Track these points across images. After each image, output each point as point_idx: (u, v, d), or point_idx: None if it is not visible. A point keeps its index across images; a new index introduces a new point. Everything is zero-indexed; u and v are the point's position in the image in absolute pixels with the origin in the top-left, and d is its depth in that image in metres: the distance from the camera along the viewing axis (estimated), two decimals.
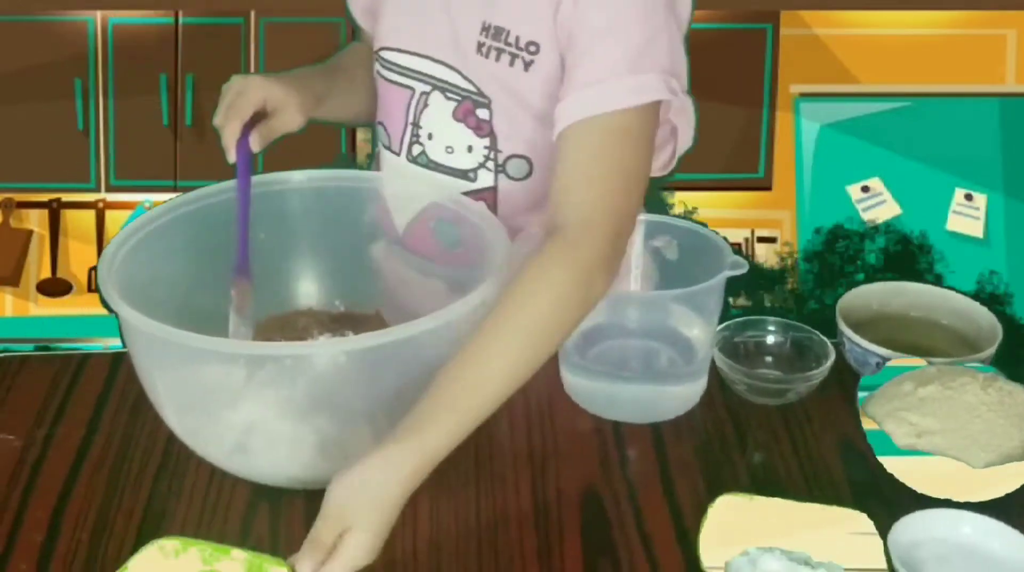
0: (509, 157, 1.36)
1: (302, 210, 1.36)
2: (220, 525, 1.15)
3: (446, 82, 1.35)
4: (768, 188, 2.96)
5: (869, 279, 2.34)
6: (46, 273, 2.82)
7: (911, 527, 1.11)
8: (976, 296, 1.48)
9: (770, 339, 1.37)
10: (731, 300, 1.28)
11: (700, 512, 1.15)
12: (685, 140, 1.38)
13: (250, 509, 1.17)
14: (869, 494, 1.18)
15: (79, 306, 2.84)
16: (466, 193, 1.36)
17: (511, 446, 1.25)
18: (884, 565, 1.07)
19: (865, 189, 2.92)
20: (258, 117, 1.27)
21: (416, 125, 1.38)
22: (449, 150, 1.38)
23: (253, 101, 1.27)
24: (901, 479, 1.17)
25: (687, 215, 2.83)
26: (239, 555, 1.05)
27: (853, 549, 1.08)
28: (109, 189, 2.80)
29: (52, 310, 2.83)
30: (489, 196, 1.38)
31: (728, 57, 2.83)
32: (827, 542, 1.09)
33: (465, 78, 1.34)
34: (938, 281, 2.82)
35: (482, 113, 1.34)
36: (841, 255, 2.89)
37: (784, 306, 2.71)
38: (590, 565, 1.10)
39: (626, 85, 1.22)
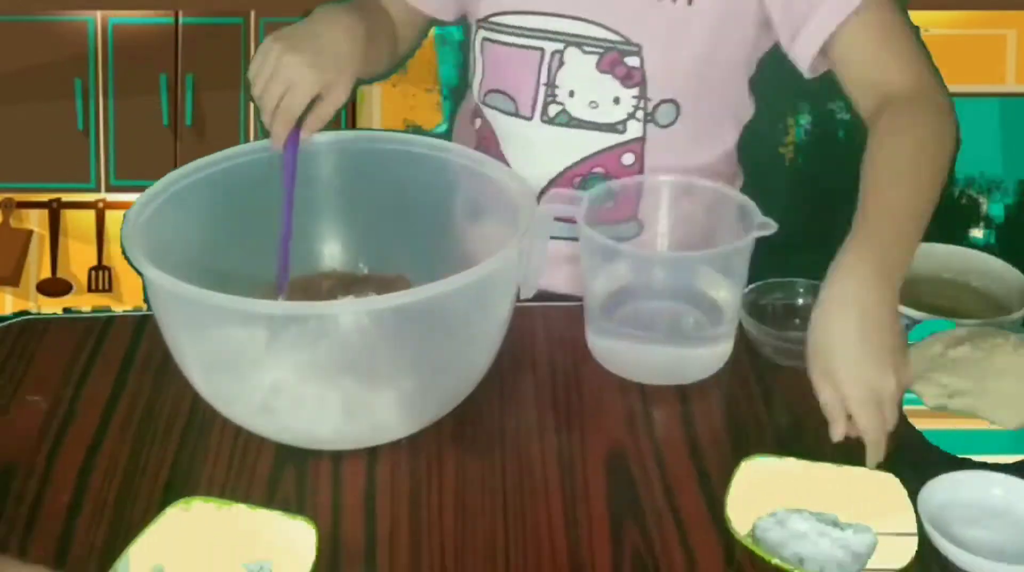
0: (659, 103, 1.36)
1: (327, 171, 1.35)
2: (246, 486, 1.15)
3: (582, 36, 1.34)
4: None
5: None
6: (46, 273, 2.82)
7: (941, 488, 1.10)
8: None
9: (799, 301, 1.35)
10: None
11: (726, 474, 1.14)
12: None
13: (276, 470, 1.17)
14: (898, 455, 1.17)
15: (79, 306, 2.85)
16: (614, 146, 1.36)
17: (537, 408, 1.25)
18: (915, 528, 1.06)
19: None
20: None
21: (552, 85, 1.37)
22: (593, 105, 1.37)
23: (304, 100, 1.23)
24: (931, 440, 1.16)
25: None
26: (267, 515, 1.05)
27: (883, 512, 1.07)
28: (109, 189, 2.80)
29: (52, 310, 2.84)
30: (637, 147, 1.38)
31: None
32: (856, 504, 1.08)
33: (607, 28, 1.32)
34: None
35: (631, 61, 1.33)
36: None
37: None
38: (616, 526, 1.10)
39: None
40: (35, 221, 2.85)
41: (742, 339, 1.32)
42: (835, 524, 1.06)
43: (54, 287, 2.82)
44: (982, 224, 2.70)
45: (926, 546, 1.06)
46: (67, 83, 2.73)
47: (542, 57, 1.38)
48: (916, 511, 1.07)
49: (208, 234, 1.28)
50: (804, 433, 1.21)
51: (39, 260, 2.84)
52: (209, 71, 2.68)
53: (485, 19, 1.41)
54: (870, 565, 1.04)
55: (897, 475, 1.12)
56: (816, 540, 1.06)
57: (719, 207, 1.31)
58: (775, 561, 1.04)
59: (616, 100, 1.37)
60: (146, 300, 1.19)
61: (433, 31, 1.88)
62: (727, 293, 1.28)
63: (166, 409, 1.25)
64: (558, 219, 1.25)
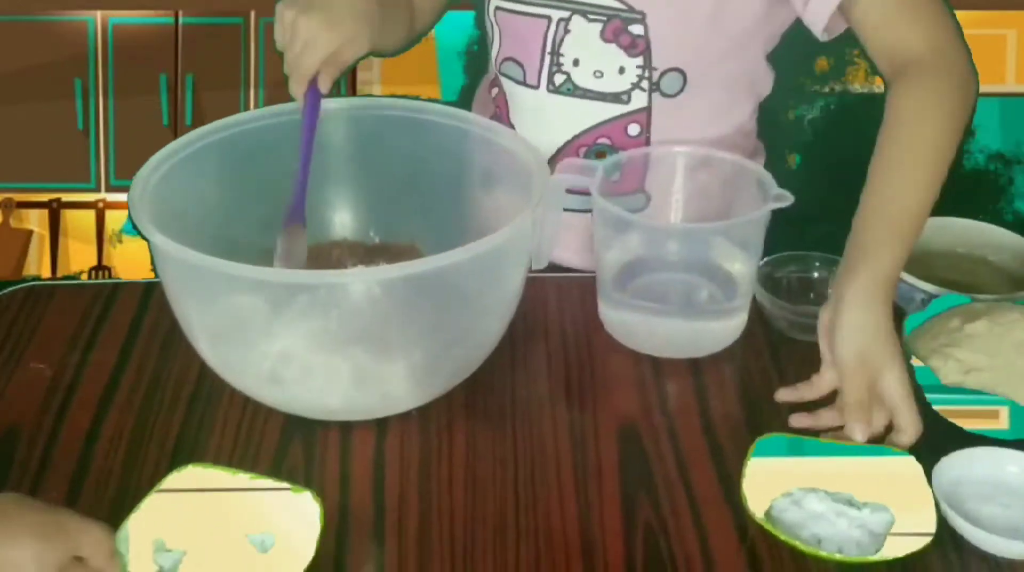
0: (664, 72, 1.34)
1: (338, 139, 1.33)
2: (253, 456, 1.14)
3: (587, 3, 1.33)
4: None
5: None
6: (46, 273, 2.82)
7: (956, 465, 1.09)
8: None
9: (814, 274, 1.34)
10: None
11: (739, 448, 1.13)
12: None
13: (283, 440, 1.16)
14: None
15: None
16: (619, 116, 1.35)
17: (548, 381, 1.24)
18: (933, 508, 1.04)
19: None
20: None
21: (557, 53, 1.36)
22: (598, 74, 1.35)
23: (318, 57, 1.20)
24: (946, 416, 1.15)
25: None
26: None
27: (900, 492, 1.06)
28: (109, 189, 2.80)
29: None
30: (642, 118, 1.36)
31: None
32: (872, 483, 1.07)
33: None
34: None
35: (635, 29, 1.32)
36: None
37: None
38: (628, 500, 1.09)
39: None
40: (35, 221, 2.86)
41: (756, 312, 1.30)
42: (851, 503, 1.05)
43: None
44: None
45: (940, 523, 1.05)
46: (67, 83, 2.74)
47: (548, 25, 1.36)
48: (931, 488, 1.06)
49: (217, 200, 1.26)
50: (817, 407, 1.19)
51: (39, 260, 2.85)
52: (209, 71, 2.68)
53: None
54: (888, 544, 1.02)
55: (912, 451, 1.11)
56: (833, 520, 1.04)
57: (736, 179, 1.29)
58: (795, 543, 1.03)
59: (621, 70, 1.36)
60: (153, 267, 1.17)
61: None
62: (742, 266, 1.26)
63: (173, 378, 1.24)
64: (570, 191, 1.23)
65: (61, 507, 0.99)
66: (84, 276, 2.78)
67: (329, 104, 1.31)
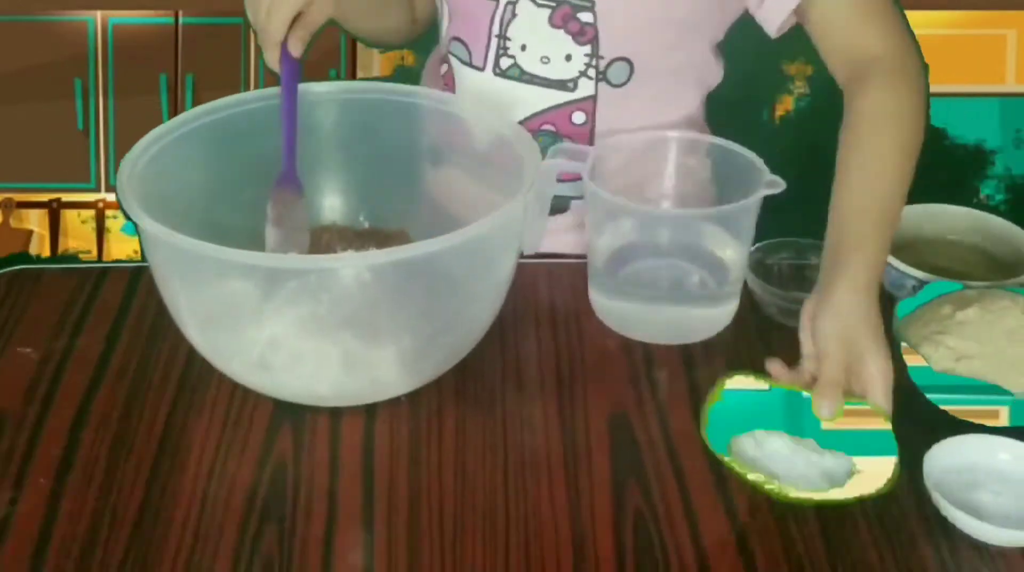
0: (611, 61, 1.33)
1: (327, 123, 1.32)
2: (242, 442, 1.13)
3: None
4: None
5: None
6: None
7: (947, 452, 1.09)
8: None
9: (805, 261, 1.33)
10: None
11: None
12: None
13: (272, 426, 1.15)
14: (904, 418, 1.15)
15: None
16: (565, 103, 1.34)
17: (539, 366, 1.23)
18: (895, 458, 1.05)
19: None
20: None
21: (504, 37, 1.35)
22: (545, 60, 1.34)
23: (284, 19, 1.20)
24: (937, 403, 1.14)
25: None
26: None
27: (863, 442, 1.07)
28: (109, 189, 2.80)
29: None
30: (588, 106, 1.35)
31: None
32: (836, 433, 1.08)
33: None
34: None
35: (584, 16, 1.31)
36: None
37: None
38: (618, 486, 1.08)
39: None
40: (35, 221, 2.86)
41: (747, 298, 1.30)
42: (813, 450, 1.05)
43: None
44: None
45: (930, 510, 1.05)
46: (67, 83, 2.74)
47: (496, 7, 1.35)
48: (922, 475, 1.06)
49: (206, 184, 1.25)
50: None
51: None
52: (209, 71, 2.69)
53: None
54: (847, 486, 1.04)
55: (902, 438, 1.11)
56: (791, 459, 1.06)
57: (727, 164, 1.29)
58: (751, 476, 1.04)
59: (568, 57, 1.35)
60: (142, 251, 1.17)
61: None
62: (733, 252, 1.26)
63: (161, 363, 1.23)
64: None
65: None
66: None
67: (319, 88, 1.31)
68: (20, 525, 1.04)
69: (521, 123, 1.37)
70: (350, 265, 1.11)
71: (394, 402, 1.17)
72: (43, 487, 1.08)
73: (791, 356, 1.23)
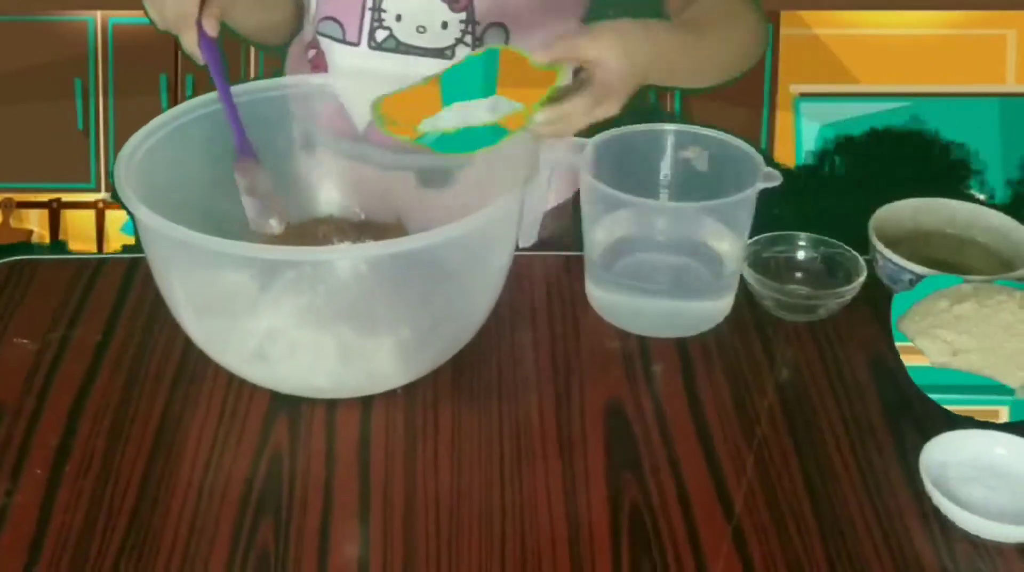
0: (487, 27, 1.34)
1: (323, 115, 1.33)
2: (238, 433, 1.13)
3: None
4: None
5: None
6: None
7: (943, 447, 1.09)
8: None
9: (800, 254, 1.33)
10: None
11: (726, 427, 1.13)
12: None
13: (269, 418, 1.15)
14: (900, 413, 1.16)
15: None
16: None
17: (535, 359, 1.23)
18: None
19: None
20: None
21: (378, 9, 1.35)
22: (421, 29, 1.34)
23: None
24: (934, 398, 1.15)
25: None
26: None
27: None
28: (109, 189, 2.79)
29: None
30: None
31: None
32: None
33: None
34: None
35: None
36: None
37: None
38: (614, 479, 1.08)
39: None
40: (35, 221, 2.86)
41: (743, 292, 1.30)
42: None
43: None
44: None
45: (927, 505, 1.05)
46: (67, 83, 2.73)
47: None
48: (918, 469, 1.06)
49: (203, 175, 1.25)
50: (805, 388, 1.19)
51: None
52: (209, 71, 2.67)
53: None
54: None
55: (899, 432, 1.11)
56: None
57: (723, 156, 1.29)
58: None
59: (444, 24, 1.35)
60: (139, 241, 1.17)
61: None
62: (729, 245, 1.26)
63: (157, 354, 1.23)
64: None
65: None
66: None
67: (312, 80, 1.30)
68: (17, 516, 1.04)
69: None
70: (347, 257, 1.11)
71: (390, 394, 1.17)
72: (40, 478, 1.08)
73: (788, 350, 1.24)
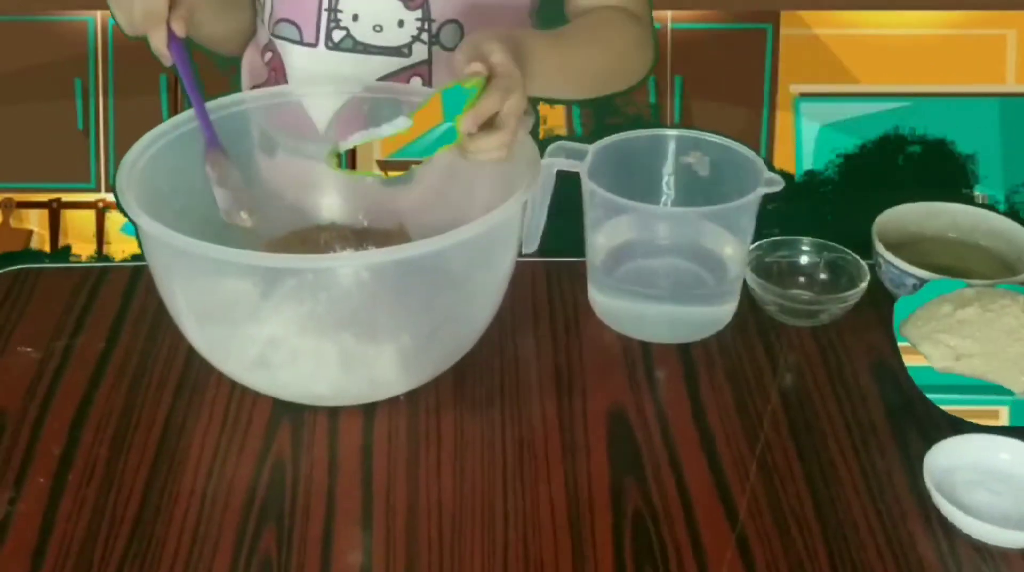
0: (443, 24, 1.35)
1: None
2: (240, 440, 1.13)
3: None
4: None
5: None
6: None
7: (947, 451, 1.08)
8: None
9: (803, 259, 1.33)
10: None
11: (729, 432, 1.13)
12: None
13: (271, 425, 1.15)
14: (904, 417, 1.16)
15: None
16: (401, 70, 1.35)
17: (537, 365, 1.23)
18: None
19: None
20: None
21: (335, 10, 1.35)
22: (377, 28, 1.35)
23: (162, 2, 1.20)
24: (937, 403, 1.14)
25: None
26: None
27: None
28: (109, 189, 2.80)
29: None
30: (424, 70, 1.36)
31: (728, 57, 2.81)
32: None
33: None
34: None
35: None
36: None
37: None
38: (617, 485, 1.08)
39: None
40: (35, 221, 2.86)
41: (746, 297, 1.30)
42: None
43: None
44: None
45: (931, 510, 1.05)
46: (67, 83, 2.73)
47: None
48: (922, 474, 1.06)
49: (205, 183, 1.25)
50: (808, 393, 1.19)
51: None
52: (209, 71, 2.68)
53: None
54: None
55: (902, 437, 1.11)
56: None
57: (725, 161, 1.29)
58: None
59: (400, 23, 1.35)
60: (141, 249, 1.17)
61: None
62: (732, 250, 1.26)
63: (160, 362, 1.23)
64: None
65: None
66: None
67: (326, 88, 1.31)
68: (20, 524, 1.04)
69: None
70: (349, 264, 1.11)
71: (393, 401, 1.17)
72: (43, 486, 1.08)
73: (791, 355, 1.24)
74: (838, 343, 1.26)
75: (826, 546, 1.02)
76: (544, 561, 1.01)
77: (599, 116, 2.69)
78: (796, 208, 1.26)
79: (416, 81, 1.36)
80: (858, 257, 1.30)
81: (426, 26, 1.35)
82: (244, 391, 1.17)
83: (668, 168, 1.33)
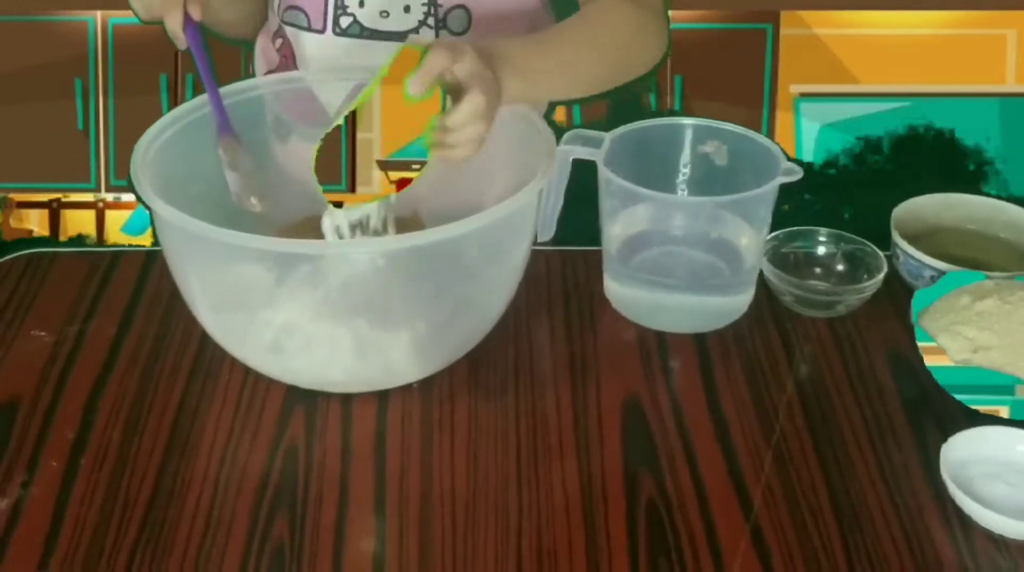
0: (450, 10, 1.34)
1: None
2: (254, 426, 1.13)
3: None
4: None
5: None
6: None
7: (964, 443, 1.08)
8: None
9: (820, 250, 1.33)
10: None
11: (744, 423, 1.12)
12: None
13: (285, 411, 1.15)
14: (921, 409, 1.15)
15: None
16: None
17: (552, 354, 1.22)
18: None
19: None
20: None
21: None
22: (384, 14, 1.34)
23: None
24: (954, 395, 1.14)
25: None
26: None
27: None
28: (109, 189, 2.80)
29: None
30: None
31: (728, 57, 2.80)
32: None
33: None
34: None
35: None
36: None
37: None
38: (631, 475, 1.08)
39: None
40: (35, 221, 2.86)
41: (762, 287, 1.29)
42: None
43: None
44: None
45: (947, 502, 1.04)
46: (67, 83, 2.74)
47: None
48: (939, 466, 1.05)
49: (220, 168, 1.25)
50: (824, 385, 1.18)
51: None
52: (219, 56, 2.69)
53: None
54: None
55: (919, 430, 1.11)
56: None
57: (743, 151, 1.28)
58: None
59: (407, 8, 1.35)
60: (155, 234, 1.16)
61: None
62: (748, 240, 1.25)
63: (173, 348, 1.23)
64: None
65: None
66: None
67: (336, 74, 1.30)
68: (33, 508, 1.04)
69: None
70: (363, 251, 1.10)
71: (406, 388, 1.16)
72: (56, 470, 1.08)
73: (807, 346, 1.23)
74: (855, 334, 1.25)
75: (841, 537, 1.02)
76: (558, 550, 1.00)
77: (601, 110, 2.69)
78: (792, 203, 1.25)
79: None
80: (876, 248, 1.30)
81: (432, 11, 1.34)
82: (258, 377, 1.17)
83: (685, 157, 1.32)
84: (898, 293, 1.29)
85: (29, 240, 2.79)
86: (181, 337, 1.23)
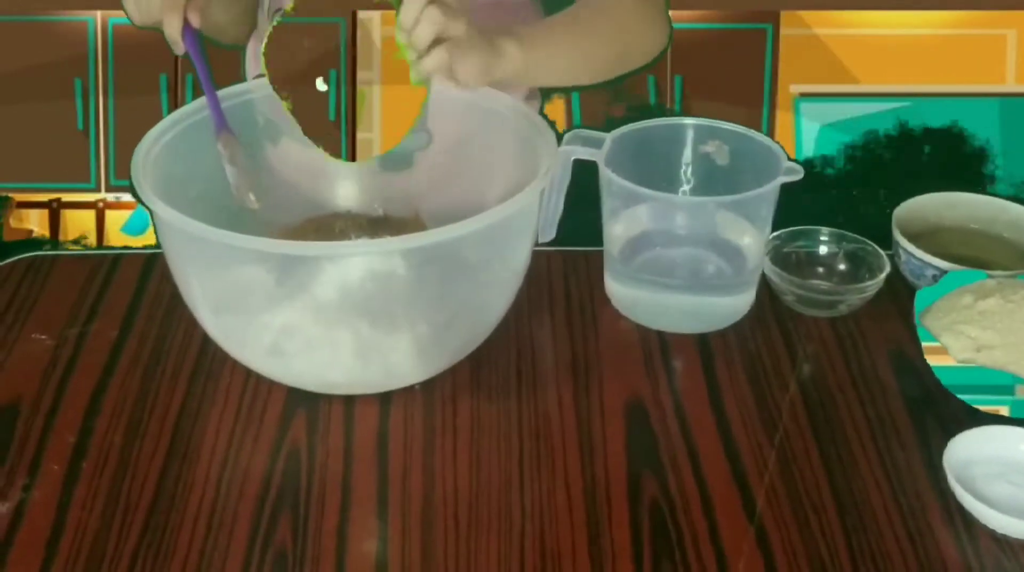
0: None
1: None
2: (256, 429, 1.13)
3: None
4: None
5: None
6: None
7: (967, 443, 1.07)
8: None
9: (822, 250, 1.32)
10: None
11: (747, 423, 1.12)
12: None
13: (286, 413, 1.14)
14: (923, 409, 1.15)
15: None
16: None
17: (553, 355, 1.22)
18: None
19: None
20: None
21: None
22: None
23: None
24: (957, 394, 1.13)
25: None
26: None
27: None
28: (109, 189, 2.81)
29: None
30: None
31: (728, 57, 2.81)
32: None
33: None
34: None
35: None
36: None
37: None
38: (634, 475, 1.07)
39: None
40: (35, 221, 2.86)
41: (764, 287, 1.29)
42: None
43: None
44: None
45: (951, 502, 1.04)
46: (67, 83, 2.74)
47: None
48: (942, 466, 1.05)
49: (221, 170, 1.24)
50: (827, 384, 1.18)
51: None
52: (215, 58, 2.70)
53: None
54: None
55: (922, 429, 1.10)
56: None
57: (744, 151, 1.28)
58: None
59: None
60: (156, 236, 1.16)
61: None
62: (750, 240, 1.25)
63: (174, 350, 1.22)
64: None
65: None
66: None
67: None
68: (34, 511, 1.04)
69: None
70: (364, 252, 1.10)
71: (408, 390, 1.16)
72: (57, 474, 1.07)
73: (810, 346, 1.23)
74: (857, 334, 1.25)
75: (845, 537, 1.02)
76: (561, 551, 1.00)
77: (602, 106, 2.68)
78: (793, 202, 1.25)
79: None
80: (878, 247, 1.29)
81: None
82: (259, 379, 1.17)
83: (686, 157, 1.32)
84: (900, 292, 1.28)
85: (29, 241, 2.79)
86: (182, 340, 1.23)
